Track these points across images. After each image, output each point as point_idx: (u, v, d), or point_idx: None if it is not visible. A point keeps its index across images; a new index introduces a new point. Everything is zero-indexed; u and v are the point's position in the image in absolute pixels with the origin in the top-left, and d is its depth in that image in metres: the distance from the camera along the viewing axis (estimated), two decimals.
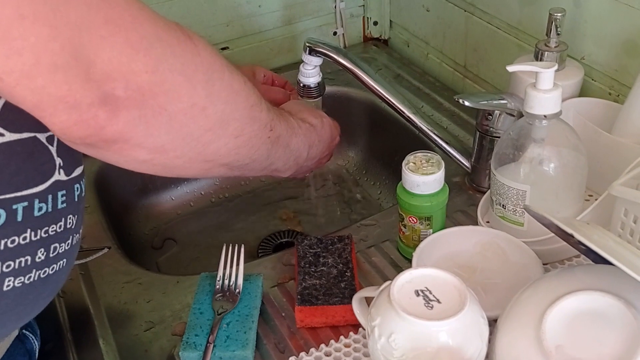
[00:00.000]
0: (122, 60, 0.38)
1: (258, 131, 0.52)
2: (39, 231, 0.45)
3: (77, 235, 0.51)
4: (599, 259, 0.48)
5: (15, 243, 0.44)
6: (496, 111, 0.72)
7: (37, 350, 0.58)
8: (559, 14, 0.71)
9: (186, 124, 0.44)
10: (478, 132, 0.75)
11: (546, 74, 0.59)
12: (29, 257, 0.45)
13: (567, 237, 0.50)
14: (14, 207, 0.43)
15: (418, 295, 0.49)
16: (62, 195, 0.46)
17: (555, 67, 0.59)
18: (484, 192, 0.74)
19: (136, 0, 0.39)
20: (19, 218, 0.43)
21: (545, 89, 0.59)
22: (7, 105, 0.40)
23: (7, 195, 0.42)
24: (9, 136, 0.42)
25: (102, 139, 0.40)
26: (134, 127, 0.40)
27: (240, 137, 0.50)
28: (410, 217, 0.66)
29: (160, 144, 0.43)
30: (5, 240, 0.43)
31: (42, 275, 0.47)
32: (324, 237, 0.68)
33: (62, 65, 0.35)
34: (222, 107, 0.46)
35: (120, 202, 0.92)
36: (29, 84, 0.35)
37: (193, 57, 0.43)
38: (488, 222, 0.71)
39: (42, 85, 0.35)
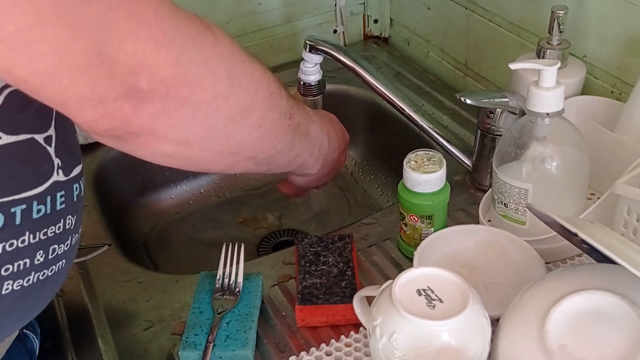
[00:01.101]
0: (146, 54, 0.38)
1: (279, 119, 0.52)
2: (37, 233, 0.44)
3: (76, 235, 0.50)
4: (601, 258, 0.48)
5: (14, 246, 0.43)
6: (498, 109, 0.72)
7: (38, 348, 0.58)
8: (562, 12, 0.71)
9: (210, 115, 0.44)
10: (479, 131, 0.75)
11: (549, 71, 0.58)
12: (27, 260, 0.44)
13: (569, 235, 0.50)
14: (12, 210, 0.42)
15: (420, 294, 0.48)
16: (60, 196, 0.46)
17: (558, 65, 0.58)
18: (486, 191, 0.74)
19: None
20: (18, 221, 0.43)
21: (547, 87, 0.59)
22: (4, 107, 0.40)
23: (5, 199, 0.42)
24: (6, 139, 0.41)
25: (127, 131, 0.40)
26: (158, 119, 0.41)
27: (263, 126, 0.50)
28: (412, 215, 0.66)
29: (185, 137, 0.44)
30: (4, 243, 0.42)
31: (41, 277, 0.46)
32: (325, 235, 0.68)
33: (86, 64, 0.35)
34: (243, 95, 0.46)
35: (119, 200, 0.92)
36: (53, 84, 0.36)
37: (214, 47, 0.43)
38: (490, 220, 0.70)
39: (67, 84, 0.36)
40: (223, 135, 0.46)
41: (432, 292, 0.48)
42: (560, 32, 0.71)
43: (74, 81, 0.36)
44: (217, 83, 0.43)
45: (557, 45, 0.72)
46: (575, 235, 0.47)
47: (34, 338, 0.58)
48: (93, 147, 0.87)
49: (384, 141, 1.01)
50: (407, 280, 0.49)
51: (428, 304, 0.48)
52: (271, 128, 0.51)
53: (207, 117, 0.44)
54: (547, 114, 0.60)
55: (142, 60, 0.38)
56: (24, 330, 0.56)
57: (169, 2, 0.40)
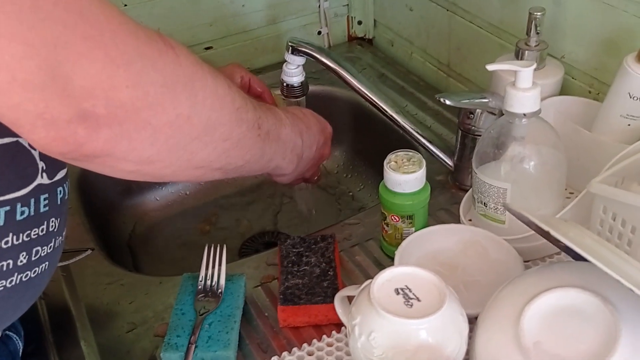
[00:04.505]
0: (102, 77, 0.37)
1: (246, 132, 0.51)
2: (21, 235, 0.45)
3: (60, 237, 0.51)
4: (578, 256, 0.49)
5: None
6: (478, 110, 0.72)
7: (21, 351, 0.58)
8: (539, 13, 0.71)
9: (172, 136, 0.43)
10: (460, 131, 0.75)
11: (525, 72, 0.59)
12: (10, 261, 0.45)
13: (546, 234, 0.51)
14: None
15: (398, 293, 0.49)
16: (44, 199, 0.46)
17: (534, 66, 0.59)
18: (467, 191, 0.75)
19: (118, 14, 0.38)
20: (1, 222, 0.43)
21: (524, 88, 0.60)
22: None
23: None
24: None
25: (82, 154, 0.39)
26: (115, 144, 0.40)
27: (229, 140, 0.49)
28: (393, 215, 0.66)
29: (146, 157, 0.43)
30: None
31: (24, 279, 0.46)
32: (307, 236, 0.69)
33: (39, 82, 0.35)
34: (207, 114, 0.46)
35: (103, 203, 0.92)
36: (6, 101, 0.35)
37: (175, 68, 0.42)
38: (470, 220, 0.71)
39: (19, 102, 0.35)
40: (186, 153, 0.45)
41: (410, 291, 0.49)
42: (538, 33, 0.72)
43: (26, 99, 0.35)
44: (178, 104, 0.42)
45: (535, 46, 0.73)
46: (549, 234, 0.48)
47: (17, 340, 0.58)
48: None
49: (368, 142, 1.01)
50: (386, 279, 0.50)
51: (406, 303, 0.48)
52: (238, 141, 0.50)
53: (168, 138, 0.43)
54: (524, 114, 0.61)
55: (98, 83, 0.37)
56: (7, 332, 0.56)
57: (129, 23, 0.39)
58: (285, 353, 0.58)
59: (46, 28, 0.34)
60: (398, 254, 0.63)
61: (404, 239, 0.66)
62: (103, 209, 0.91)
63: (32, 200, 0.45)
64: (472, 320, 0.52)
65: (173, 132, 0.43)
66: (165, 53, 0.41)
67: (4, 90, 0.35)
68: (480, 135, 0.73)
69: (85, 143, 0.38)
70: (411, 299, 0.48)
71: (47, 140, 0.37)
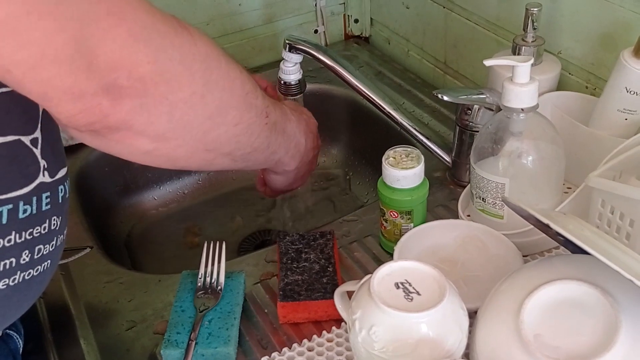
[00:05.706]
0: (125, 51, 0.39)
1: (255, 118, 0.53)
2: (23, 233, 0.45)
3: (62, 236, 0.51)
4: (577, 250, 0.49)
5: (0, 245, 0.44)
6: (475, 106, 0.73)
7: (22, 349, 0.58)
8: (535, 9, 0.72)
9: (187, 112, 0.45)
10: (458, 127, 0.76)
11: (522, 67, 0.59)
12: (13, 259, 0.45)
13: (545, 228, 0.51)
14: None
15: (398, 287, 0.49)
16: (46, 197, 0.47)
17: (531, 61, 0.59)
18: (465, 187, 0.75)
19: None
20: (4, 220, 0.43)
21: (521, 83, 0.60)
22: None
23: None
24: None
25: (105, 126, 0.41)
26: (136, 115, 0.42)
27: (239, 124, 0.51)
28: (391, 211, 0.66)
29: (162, 132, 0.44)
30: None
31: (26, 277, 0.47)
32: (306, 233, 0.69)
33: (67, 57, 0.36)
34: (219, 94, 0.48)
35: (101, 202, 0.92)
36: (35, 76, 0.36)
37: (190, 47, 0.44)
38: (469, 215, 0.71)
39: (48, 77, 0.37)
40: (200, 132, 0.47)
41: (410, 285, 0.49)
42: (535, 29, 0.72)
43: (55, 74, 0.36)
44: (193, 81, 0.44)
45: (532, 42, 0.73)
46: (549, 226, 0.48)
47: (17, 338, 0.58)
48: (75, 148, 0.87)
49: (365, 139, 1.01)
50: (386, 274, 0.50)
51: (406, 297, 0.48)
52: (247, 126, 0.52)
53: (183, 115, 0.45)
54: (522, 109, 0.61)
55: (120, 58, 0.39)
56: (7, 330, 0.57)
57: (146, 3, 0.41)
58: (285, 349, 0.58)
59: (73, 4, 0.36)
60: (397, 250, 0.63)
61: (403, 234, 0.66)
62: (101, 208, 0.91)
63: (34, 199, 0.45)
64: (472, 315, 0.52)
65: (188, 109, 0.45)
66: (180, 33, 0.43)
67: (33, 66, 0.36)
68: (477, 131, 0.73)
69: (109, 114, 0.40)
70: (411, 292, 0.48)
71: (74, 112, 0.39)
